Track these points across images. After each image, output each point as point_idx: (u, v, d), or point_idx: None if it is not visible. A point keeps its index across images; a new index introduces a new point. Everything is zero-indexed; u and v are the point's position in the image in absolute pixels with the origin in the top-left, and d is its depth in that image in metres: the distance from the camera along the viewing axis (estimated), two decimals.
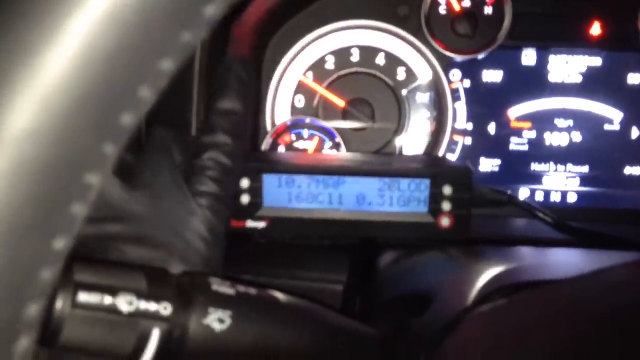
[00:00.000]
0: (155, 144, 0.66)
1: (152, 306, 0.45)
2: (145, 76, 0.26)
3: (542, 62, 1.03)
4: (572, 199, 1.05)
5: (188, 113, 0.78)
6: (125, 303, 0.44)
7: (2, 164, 0.24)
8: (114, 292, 0.44)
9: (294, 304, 0.53)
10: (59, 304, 0.42)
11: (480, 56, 1.01)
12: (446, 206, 0.81)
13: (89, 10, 0.24)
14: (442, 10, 1.01)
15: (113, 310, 0.43)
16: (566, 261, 0.77)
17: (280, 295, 0.53)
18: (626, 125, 1.03)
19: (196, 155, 0.66)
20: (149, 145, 0.66)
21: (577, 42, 1.01)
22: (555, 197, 1.05)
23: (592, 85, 1.03)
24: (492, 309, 0.44)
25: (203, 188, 0.64)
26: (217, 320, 0.47)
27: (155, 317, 0.44)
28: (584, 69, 1.02)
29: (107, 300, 0.43)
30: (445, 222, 0.82)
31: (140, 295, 0.44)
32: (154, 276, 0.46)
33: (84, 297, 0.43)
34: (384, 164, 0.86)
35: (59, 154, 0.25)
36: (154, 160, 0.64)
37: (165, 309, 0.45)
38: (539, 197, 1.05)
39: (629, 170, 1.03)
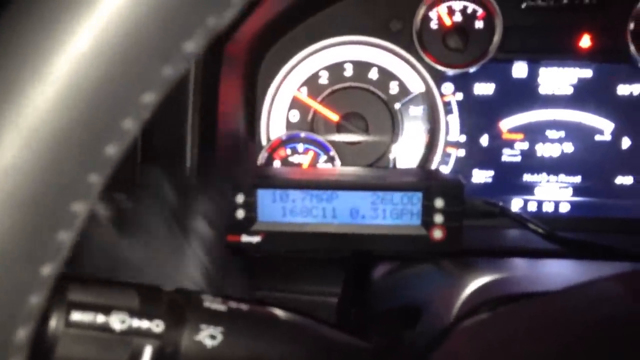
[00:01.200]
0: (149, 186, 0.67)
1: (144, 324, 0.46)
2: (128, 109, 0.27)
3: (533, 75, 1.04)
4: (564, 208, 1.06)
5: (183, 132, 0.79)
6: (117, 321, 0.45)
7: None
8: (106, 310, 0.44)
9: (286, 319, 0.54)
10: (53, 323, 0.43)
11: (472, 69, 1.03)
12: (438, 219, 0.82)
13: (71, 47, 0.25)
14: (434, 24, 1.03)
15: (105, 328, 0.44)
16: (557, 272, 0.78)
17: (272, 311, 0.54)
18: (617, 135, 1.04)
19: (191, 194, 0.67)
20: (142, 187, 0.68)
21: (567, 55, 1.03)
22: (548, 207, 1.06)
23: (582, 96, 1.04)
24: (476, 322, 0.45)
25: (198, 228, 0.65)
26: (209, 336, 0.48)
27: (147, 334, 0.45)
28: (574, 81, 1.04)
29: (100, 318, 0.44)
30: (437, 234, 0.82)
31: (133, 313, 0.45)
32: (146, 294, 0.47)
33: (76, 316, 0.44)
34: (377, 177, 0.87)
35: (45, 185, 0.26)
36: (147, 204, 0.65)
37: (157, 326, 0.46)
38: (532, 207, 1.06)
39: (620, 180, 1.04)
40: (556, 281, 0.73)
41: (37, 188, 0.26)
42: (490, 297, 0.58)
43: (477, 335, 0.45)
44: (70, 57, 0.25)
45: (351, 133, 1.04)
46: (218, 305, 0.50)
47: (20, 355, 0.28)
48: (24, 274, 0.27)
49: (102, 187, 0.28)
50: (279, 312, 0.55)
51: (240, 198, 0.83)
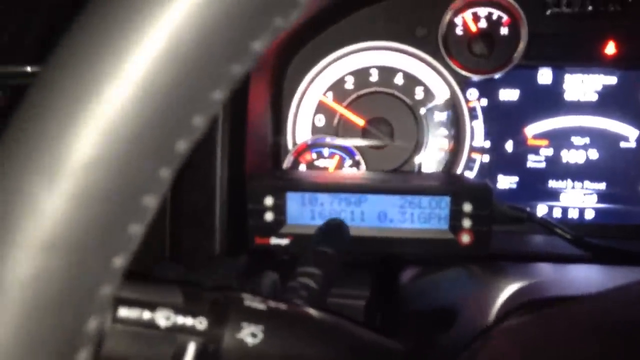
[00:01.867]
0: None
1: (188, 320, 0.46)
2: (198, 106, 0.28)
3: (558, 81, 1.04)
4: (589, 215, 1.06)
5: (214, 136, 0.80)
6: (163, 318, 0.45)
7: (71, 189, 0.26)
8: (152, 307, 0.45)
9: (322, 318, 0.55)
10: None
11: (497, 75, 1.03)
12: (466, 223, 0.83)
13: (147, 46, 0.26)
14: (459, 30, 1.03)
15: (151, 324, 0.45)
16: (586, 277, 0.78)
17: (309, 310, 0.55)
18: None
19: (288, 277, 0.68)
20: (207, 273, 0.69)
21: (592, 61, 1.03)
22: (573, 214, 1.06)
23: (607, 103, 1.04)
24: (520, 323, 0.45)
25: None
26: (250, 334, 0.49)
27: (191, 331, 0.46)
28: (599, 87, 1.04)
29: (146, 315, 0.45)
30: (465, 238, 0.83)
31: (177, 310, 0.46)
32: (189, 292, 0.48)
33: (123, 312, 0.44)
34: (405, 181, 0.88)
35: (120, 180, 0.27)
36: None
37: (200, 323, 0.47)
38: (557, 213, 1.06)
39: None
40: (589, 286, 0.73)
41: (113, 182, 0.27)
42: (528, 300, 0.58)
43: (522, 336, 0.45)
44: (146, 56, 0.26)
45: (376, 138, 1.05)
46: (258, 304, 0.51)
47: (90, 346, 0.29)
48: (98, 264, 0.28)
49: (170, 180, 0.29)
50: (315, 312, 0.55)
51: (269, 201, 0.84)
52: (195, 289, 0.50)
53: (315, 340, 0.53)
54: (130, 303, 0.45)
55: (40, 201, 0.26)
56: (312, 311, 0.55)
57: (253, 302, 0.51)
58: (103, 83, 0.26)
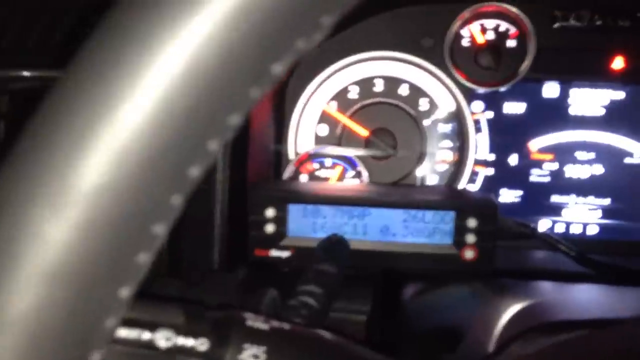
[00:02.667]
0: None
1: (189, 342, 0.45)
2: (214, 130, 0.26)
3: (564, 95, 1.03)
4: (592, 231, 1.05)
5: None
6: (163, 338, 0.44)
7: (77, 218, 0.25)
8: (152, 327, 0.44)
9: (326, 339, 0.54)
10: None
11: (503, 88, 1.02)
12: (470, 238, 0.81)
13: (164, 68, 0.25)
14: (466, 42, 1.02)
15: (151, 345, 0.44)
16: (592, 298, 0.77)
17: (313, 331, 0.54)
18: None
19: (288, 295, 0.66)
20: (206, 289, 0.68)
21: (599, 76, 1.02)
22: (576, 229, 1.05)
23: (613, 118, 1.03)
24: (536, 351, 0.44)
25: None
26: (252, 356, 0.47)
27: (192, 352, 0.45)
28: (606, 102, 1.03)
29: (145, 335, 0.44)
30: (469, 254, 0.82)
31: (178, 331, 0.45)
32: (191, 311, 0.47)
33: (122, 332, 0.43)
34: (409, 195, 0.87)
35: (130, 206, 0.25)
36: None
37: (202, 344, 0.45)
38: (560, 228, 1.05)
39: None
40: (594, 307, 0.72)
41: (122, 211, 0.25)
42: (529, 328, 0.57)
43: None
44: (162, 78, 0.25)
45: (379, 149, 1.04)
46: (261, 324, 0.50)
47: None
48: (104, 296, 0.27)
49: (182, 207, 0.28)
50: (319, 333, 0.54)
51: (270, 212, 0.82)
52: (197, 308, 0.48)
53: None
54: (129, 323, 0.43)
55: (44, 229, 0.25)
56: (316, 332, 0.54)
57: (256, 322, 0.50)
58: (115, 107, 0.25)
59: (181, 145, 0.26)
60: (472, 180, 1.05)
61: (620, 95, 1.02)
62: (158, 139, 0.25)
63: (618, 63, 1.01)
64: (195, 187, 0.28)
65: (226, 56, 0.25)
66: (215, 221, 0.82)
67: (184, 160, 0.26)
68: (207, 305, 0.50)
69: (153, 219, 0.27)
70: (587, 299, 0.76)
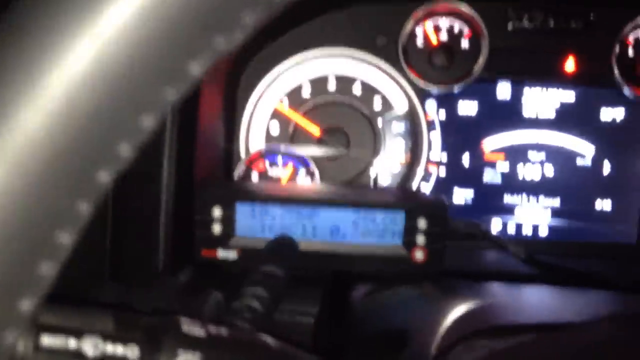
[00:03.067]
0: None
1: (118, 349, 0.43)
2: (124, 134, 0.25)
3: (517, 96, 1.03)
4: (543, 231, 1.05)
5: (160, 142, 0.77)
6: (90, 346, 0.42)
7: None
8: (78, 334, 0.42)
9: (267, 345, 0.52)
10: (20, 347, 0.40)
11: (456, 88, 1.02)
12: (420, 239, 0.81)
13: (67, 68, 0.23)
14: (420, 42, 1.02)
15: (77, 354, 0.42)
16: (537, 300, 0.77)
17: (253, 336, 0.52)
18: (597, 159, 1.03)
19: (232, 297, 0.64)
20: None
21: (551, 77, 1.02)
22: (527, 230, 1.05)
23: (565, 119, 1.03)
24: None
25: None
26: None
27: None
28: (557, 104, 1.03)
29: (72, 343, 0.42)
30: (419, 255, 0.81)
31: (107, 338, 0.43)
32: (121, 317, 0.45)
33: (47, 340, 0.41)
34: (359, 195, 0.86)
35: (30, 213, 0.24)
36: None
37: (132, 351, 0.43)
38: (511, 229, 1.05)
39: (599, 204, 1.04)
40: (538, 310, 0.72)
41: (22, 215, 0.23)
42: (478, 327, 0.56)
43: None
44: (65, 78, 0.23)
45: (332, 148, 1.02)
46: (197, 330, 0.48)
47: None
48: (1, 307, 0.25)
49: (90, 216, 0.26)
50: (259, 338, 0.52)
51: (217, 212, 0.80)
52: (128, 314, 0.46)
53: None
54: (54, 330, 0.41)
55: None
56: (257, 337, 0.52)
57: (191, 328, 0.48)
58: (15, 104, 0.23)
59: (88, 149, 0.24)
60: (425, 180, 1.05)
61: (571, 96, 1.03)
62: (61, 141, 0.23)
63: (570, 65, 1.01)
64: (105, 193, 0.26)
65: (136, 55, 0.23)
66: (161, 220, 0.79)
67: (92, 164, 0.24)
68: (140, 310, 0.48)
69: (57, 226, 0.25)
70: (533, 301, 0.77)
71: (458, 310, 0.65)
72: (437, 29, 1.01)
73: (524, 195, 1.05)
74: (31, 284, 0.25)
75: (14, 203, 0.23)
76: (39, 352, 0.40)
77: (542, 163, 1.04)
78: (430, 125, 1.04)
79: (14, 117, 0.23)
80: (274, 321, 0.72)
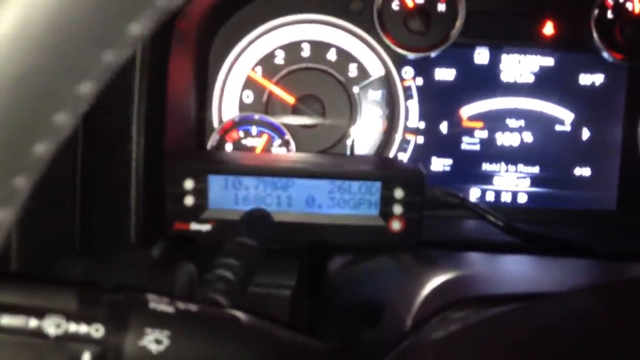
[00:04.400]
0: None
1: (82, 328, 0.41)
2: (61, 102, 0.22)
3: (495, 61, 1.02)
4: (522, 199, 1.04)
5: (128, 112, 0.74)
6: (52, 325, 0.40)
7: None
8: (39, 313, 0.40)
9: (238, 320, 0.50)
10: None
11: (433, 54, 0.99)
12: (397, 209, 0.79)
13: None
14: (395, 5, 0.99)
15: (39, 333, 0.40)
16: (516, 269, 0.76)
17: (222, 311, 0.50)
18: (577, 126, 1.02)
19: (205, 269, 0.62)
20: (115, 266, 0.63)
21: (530, 41, 1.01)
22: (506, 198, 1.04)
23: (544, 85, 1.02)
24: (445, 336, 0.42)
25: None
26: (154, 340, 0.44)
27: (85, 339, 0.41)
28: (536, 69, 1.02)
29: (32, 322, 0.40)
30: (396, 225, 0.79)
31: (69, 317, 0.41)
32: (84, 295, 0.43)
33: (5, 319, 0.39)
34: (334, 165, 0.83)
35: None
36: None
37: (96, 330, 0.42)
38: (490, 197, 1.04)
39: (578, 171, 1.03)
40: (516, 280, 0.71)
41: None
42: (457, 300, 0.55)
43: (447, 352, 0.42)
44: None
45: (307, 116, 1.00)
46: (165, 307, 0.46)
47: None
48: None
49: (29, 191, 0.24)
50: (230, 313, 0.51)
51: (189, 184, 0.78)
52: (92, 290, 0.44)
53: (229, 345, 0.48)
54: (13, 309, 0.39)
55: None
56: (228, 312, 0.51)
57: (159, 305, 0.46)
58: None
59: (21, 119, 0.21)
60: (402, 148, 1.03)
61: (549, 61, 1.01)
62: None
63: (548, 28, 1.00)
64: (45, 168, 0.24)
65: (69, 14, 0.21)
66: (131, 193, 0.77)
67: (27, 136, 0.22)
68: (104, 287, 0.46)
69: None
70: (512, 270, 0.75)
71: (436, 281, 0.64)
72: None
73: (503, 162, 1.04)
74: None
75: None
76: None
77: (520, 130, 1.03)
78: (407, 92, 1.02)
79: None
80: (250, 294, 0.70)
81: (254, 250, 0.67)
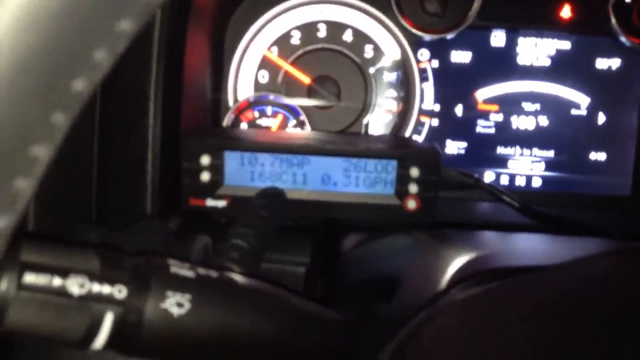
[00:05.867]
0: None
1: (105, 289, 0.42)
2: (101, 38, 0.22)
3: (511, 44, 1.01)
4: (536, 183, 1.04)
5: (146, 87, 0.75)
6: (76, 285, 0.41)
7: None
8: (63, 273, 0.40)
9: (256, 287, 0.51)
10: (3, 285, 0.38)
11: (449, 36, 0.99)
12: (413, 188, 0.79)
13: None
14: None
15: (62, 292, 0.40)
16: (532, 247, 0.76)
17: (242, 279, 0.51)
18: (592, 110, 1.02)
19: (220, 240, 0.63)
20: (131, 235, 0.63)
21: (546, 25, 1.00)
22: (520, 181, 1.04)
23: (560, 68, 1.02)
24: (466, 297, 0.42)
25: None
26: (176, 304, 0.44)
27: (108, 300, 0.41)
28: (552, 52, 1.01)
29: (56, 281, 0.40)
30: (411, 204, 0.80)
31: (93, 277, 0.41)
32: (108, 257, 0.43)
33: (30, 278, 0.39)
34: (350, 143, 0.84)
35: (2, 126, 0.22)
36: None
37: (119, 291, 0.42)
38: (504, 180, 1.04)
39: (593, 156, 1.03)
40: (535, 256, 0.71)
41: None
42: (473, 272, 0.55)
43: (469, 311, 0.42)
44: None
45: (322, 97, 1.00)
46: (186, 271, 0.46)
47: None
48: None
49: (68, 128, 0.24)
50: (249, 281, 0.51)
51: (205, 160, 0.78)
52: (115, 253, 0.45)
53: (248, 311, 0.49)
54: (38, 268, 0.40)
55: None
56: (247, 279, 0.51)
57: (180, 269, 0.46)
58: None
59: (61, 54, 0.22)
60: (417, 131, 1.03)
61: (566, 45, 1.01)
62: (31, 45, 0.21)
63: (566, 12, 0.99)
64: (83, 105, 0.24)
65: None
66: (147, 169, 0.77)
67: (67, 71, 0.22)
68: (127, 250, 0.47)
69: (32, 139, 0.23)
70: (527, 248, 0.75)
71: (450, 258, 0.64)
72: None
73: (518, 146, 1.03)
74: (6, 200, 0.23)
75: None
76: (22, 290, 0.39)
77: (535, 113, 1.02)
78: (423, 75, 1.02)
79: None
80: (264, 271, 0.71)
81: (268, 222, 0.67)
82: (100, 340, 0.41)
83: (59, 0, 0.21)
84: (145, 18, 0.23)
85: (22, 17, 0.21)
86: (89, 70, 0.23)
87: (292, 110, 0.99)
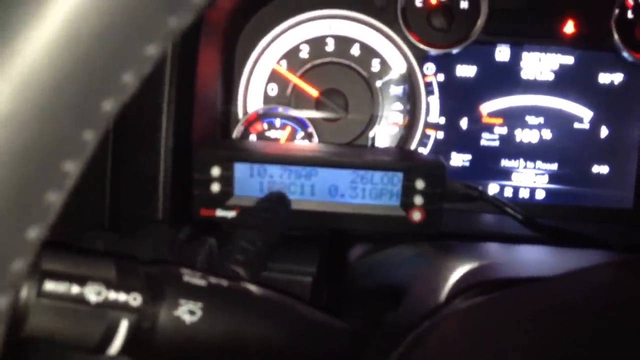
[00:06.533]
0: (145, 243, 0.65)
1: (121, 296, 0.43)
2: (129, 61, 0.24)
3: (515, 59, 1.03)
4: (540, 195, 1.05)
5: (159, 99, 0.77)
6: (93, 293, 0.42)
7: None
8: (81, 281, 0.42)
9: (265, 296, 0.53)
10: (24, 293, 0.40)
11: (455, 50, 1.01)
12: (418, 200, 0.81)
13: None
14: (419, 2, 1.01)
15: (80, 300, 0.42)
16: (535, 258, 0.77)
17: (252, 287, 0.52)
18: (595, 124, 1.03)
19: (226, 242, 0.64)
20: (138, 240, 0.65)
21: (550, 40, 1.02)
22: (524, 194, 1.05)
23: (563, 83, 1.03)
24: (469, 306, 0.44)
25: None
26: (188, 311, 0.46)
27: (124, 307, 0.43)
28: (556, 67, 1.03)
29: (75, 289, 0.42)
30: (416, 215, 0.81)
31: (109, 285, 0.43)
32: (123, 266, 0.45)
33: (50, 285, 0.41)
34: (357, 155, 0.85)
35: (35, 140, 0.23)
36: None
37: (134, 299, 0.44)
38: (508, 193, 1.05)
39: (596, 169, 1.04)
40: (538, 268, 0.72)
41: (27, 143, 0.23)
42: (476, 282, 0.56)
43: (472, 319, 0.43)
44: (69, 2, 0.22)
45: (330, 110, 1.02)
46: (198, 280, 0.48)
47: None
48: (10, 234, 0.25)
49: (95, 144, 0.26)
50: (258, 290, 0.53)
51: (216, 171, 0.80)
52: (130, 262, 0.47)
53: (257, 319, 0.50)
54: (57, 276, 0.42)
55: None
56: (256, 288, 0.53)
57: (192, 278, 0.48)
58: (18, 28, 0.22)
59: (92, 76, 0.24)
60: (423, 143, 1.05)
61: (569, 60, 1.03)
62: (65, 68, 0.23)
63: (569, 27, 1.01)
64: (109, 123, 0.26)
65: None
66: (159, 179, 0.79)
67: (97, 92, 0.24)
68: (141, 259, 0.48)
69: (63, 154, 0.25)
70: (531, 260, 0.77)
71: (455, 268, 0.65)
72: None
73: (522, 159, 1.05)
74: (38, 213, 0.25)
75: (19, 129, 0.23)
76: (41, 298, 0.41)
77: (539, 127, 1.04)
78: (429, 88, 1.03)
79: (15, 39, 0.22)
80: (271, 280, 0.72)
81: (273, 227, 0.69)
82: (116, 346, 0.43)
83: (94, 28, 0.23)
84: (168, 42, 0.25)
85: (61, 44, 0.23)
86: (117, 92, 0.25)
87: (300, 123, 1.00)
